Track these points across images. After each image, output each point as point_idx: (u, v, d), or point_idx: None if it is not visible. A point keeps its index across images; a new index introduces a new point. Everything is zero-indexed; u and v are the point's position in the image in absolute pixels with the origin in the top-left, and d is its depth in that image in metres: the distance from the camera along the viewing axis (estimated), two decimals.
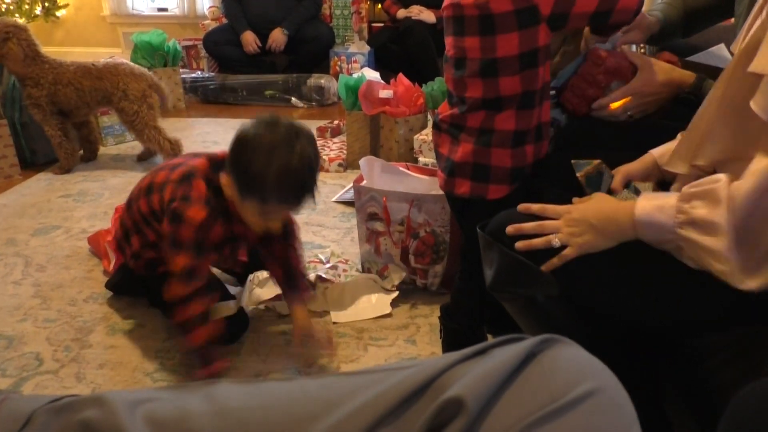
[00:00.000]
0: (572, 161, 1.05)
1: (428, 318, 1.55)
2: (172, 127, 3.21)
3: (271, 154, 1.16)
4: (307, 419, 0.49)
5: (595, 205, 0.90)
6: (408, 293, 1.64)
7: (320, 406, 0.50)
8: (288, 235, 1.45)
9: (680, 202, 0.82)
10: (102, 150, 2.84)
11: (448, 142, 1.19)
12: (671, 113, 1.21)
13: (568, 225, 0.90)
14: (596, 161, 1.04)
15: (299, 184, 1.20)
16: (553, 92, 1.22)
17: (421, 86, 2.48)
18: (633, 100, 1.18)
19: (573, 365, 0.49)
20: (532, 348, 0.50)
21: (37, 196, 2.39)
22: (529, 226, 0.92)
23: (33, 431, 0.52)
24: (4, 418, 0.53)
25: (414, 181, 1.67)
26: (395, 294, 1.62)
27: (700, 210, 0.79)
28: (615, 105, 1.19)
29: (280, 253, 1.43)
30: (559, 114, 1.25)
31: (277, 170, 1.16)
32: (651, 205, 0.84)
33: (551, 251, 0.92)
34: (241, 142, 1.20)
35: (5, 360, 1.43)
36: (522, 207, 0.96)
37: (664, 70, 1.18)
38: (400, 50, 3.64)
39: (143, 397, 0.54)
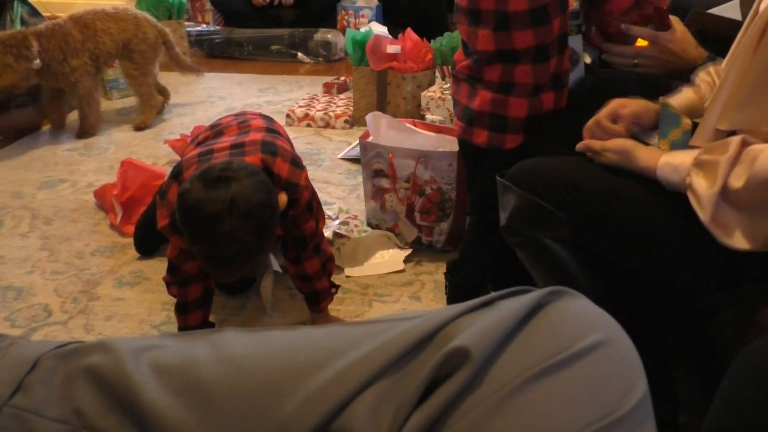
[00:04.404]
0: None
1: (433, 275, 1.56)
2: (177, 81, 3.17)
3: (196, 234, 1.06)
4: (311, 367, 0.49)
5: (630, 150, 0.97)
6: (413, 250, 1.64)
7: (324, 354, 0.50)
8: (301, 258, 1.32)
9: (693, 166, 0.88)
10: (107, 104, 2.80)
11: (466, 90, 1.19)
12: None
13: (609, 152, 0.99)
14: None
15: (225, 269, 1.09)
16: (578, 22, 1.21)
17: (429, 42, 2.43)
18: (650, 49, 1.15)
19: (580, 317, 0.48)
20: (539, 300, 0.49)
21: (43, 149, 2.38)
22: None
23: (40, 375, 0.53)
24: (11, 363, 0.54)
25: (421, 138, 1.65)
26: (409, 251, 1.63)
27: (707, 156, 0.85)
28: (640, 43, 1.16)
29: (297, 273, 1.36)
30: (578, 45, 1.22)
31: (201, 254, 1.09)
32: (669, 166, 0.92)
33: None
34: (179, 204, 1.08)
35: (14, 311, 1.45)
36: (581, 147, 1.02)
37: (690, 43, 1.16)
38: (408, 4, 3.56)
39: (148, 344, 0.55)
